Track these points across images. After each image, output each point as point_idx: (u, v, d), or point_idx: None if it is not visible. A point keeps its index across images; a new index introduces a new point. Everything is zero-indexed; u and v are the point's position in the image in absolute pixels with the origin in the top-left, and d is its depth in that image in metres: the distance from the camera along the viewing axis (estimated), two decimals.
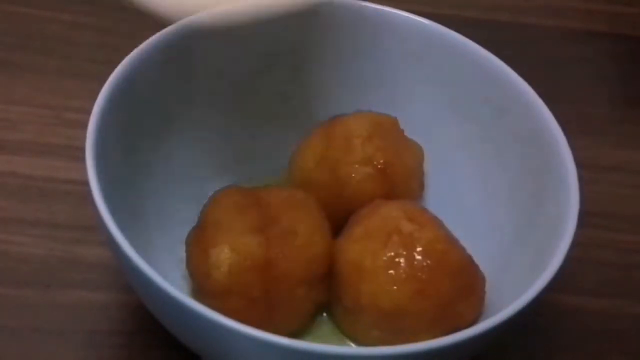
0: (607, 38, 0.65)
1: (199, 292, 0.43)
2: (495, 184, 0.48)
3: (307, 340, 0.43)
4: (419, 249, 0.42)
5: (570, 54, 0.64)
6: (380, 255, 0.42)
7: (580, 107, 0.60)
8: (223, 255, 0.42)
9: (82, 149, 0.42)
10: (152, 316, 0.42)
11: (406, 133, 0.48)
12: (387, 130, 0.47)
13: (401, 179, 0.46)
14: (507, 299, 0.41)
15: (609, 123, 0.60)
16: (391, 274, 0.42)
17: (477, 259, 0.44)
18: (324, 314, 0.45)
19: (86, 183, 0.41)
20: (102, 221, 0.40)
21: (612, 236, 0.54)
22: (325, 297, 0.44)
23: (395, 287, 0.42)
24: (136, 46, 0.46)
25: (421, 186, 0.48)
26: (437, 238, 0.42)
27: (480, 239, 0.46)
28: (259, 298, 0.42)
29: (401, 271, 0.42)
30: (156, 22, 0.48)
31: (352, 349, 0.38)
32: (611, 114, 0.61)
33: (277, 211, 0.43)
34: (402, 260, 0.42)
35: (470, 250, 0.44)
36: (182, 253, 0.45)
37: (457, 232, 0.44)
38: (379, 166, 0.45)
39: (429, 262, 0.42)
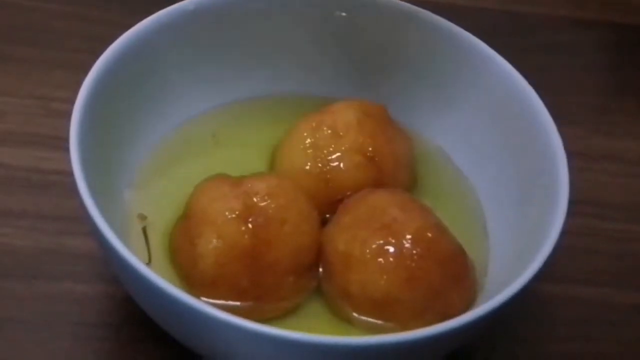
0: (598, 26, 0.64)
1: (185, 283, 0.42)
2: (485, 173, 0.48)
3: (297, 322, 0.42)
4: (408, 237, 0.42)
5: (560, 42, 0.64)
6: (370, 244, 0.42)
7: (570, 96, 0.60)
8: (210, 245, 0.41)
9: (68, 140, 0.41)
10: (138, 308, 0.42)
11: (396, 122, 0.48)
12: (376, 118, 0.47)
13: (390, 168, 0.46)
14: (497, 287, 0.41)
15: (598, 112, 0.60)
16: (380, 262, 0.42)
17: (467, 248, 0.44)
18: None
19: (72, 174, 0.40)
20: (87, 212, 0.39)
21: (602, 225, 0.54)
22: (314, 285, 0.44)
23: (384, 276, 0.41)
24: (122, 35, 0.45)
25: (411, 175, 0.47)
26: (426, 226, 0.42)
27: (471, 227, 0.46)
28: (247, 287, 0.41)
29: (390, 259, 0.41)
30: (141, 10, 0.48)
31: (342, 339, 0.38)
32: (601, 102, 0.61)
33: (264, 200, 0.42)
34: (391, 248, 0.42)
35: (460, 239, 0.44)
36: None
37: (447, 222, 0.44)
38: (368, 154, 0.45)
39: (418, 250, 0.41)
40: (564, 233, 0.41)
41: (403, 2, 0.49)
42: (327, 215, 0.45)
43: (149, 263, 0.43)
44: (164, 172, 0.47)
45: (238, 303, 0.41)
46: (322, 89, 0.50)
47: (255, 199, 0.42)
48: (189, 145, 0.48)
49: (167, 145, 0.48)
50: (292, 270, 0.42)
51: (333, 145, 0.45)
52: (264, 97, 0.50)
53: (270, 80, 0.50)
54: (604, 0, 0.66)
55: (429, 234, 0.42)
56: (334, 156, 0.45)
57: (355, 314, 0.42)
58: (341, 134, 0.46)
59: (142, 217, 0.44)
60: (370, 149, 0.45)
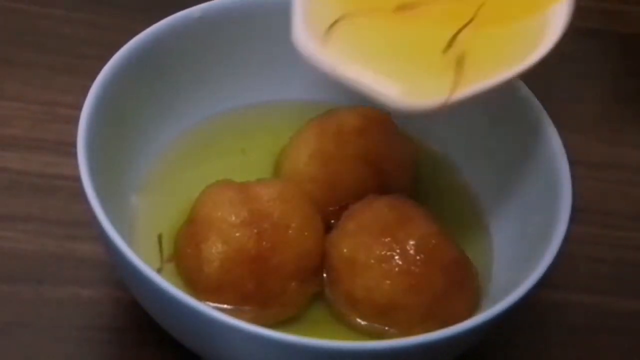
0: (599, 35, 0.65)
1: (190, 287, 0.43)
2: (488, 180, 0.48)
3: (301, 327, 0.43)
4: (411, 243, 0.42)
5: (561, 50, 0.64)
6: (374, 250, 0.42)
7: (571, 104, 0.60)
8: (215, 250, 0.42)
9: (74, 145, 0.42)
10: (144, 312, 0.42)
11: (400, 127, 0.48)
12: (380, 124, 0.47)
13: (394, 174, 0.46)
14: (499, 294, 0.41)
15: (600, 120, 0.60)
16: (384, 268, 0.42)
17: (471, 253, 0.44)
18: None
19: (78, 179, 0.41)
20: (95, 217, 0.40)
21: (604, 232, 0.54)
22: (318, 290, 0.44)
23: (388, 281, 0.42)
24: (128, 41, 0.46)
25: (414, 181, 0.48)
26: (429, 232, 0.43)
27: (475, 233, 0.46)
28: (252, 292, 0.42)
29: (394, 265, 0.42)
30: (148, 17, 0.48)
31: (346, 344, 0.38)
32: (602, 111, 0.61)
33: (268, 205, 0.43)
34: (395, 254, 0.42)
35: (463, 245, 0.44)
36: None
37: (451, 228, 0.45)
38: (372, 161, 0.45)
39: (422, 256, 0.42)
40: (566, 240, 0.41)
41: None
42: (332, 222, 0.45)
43: (160, 270, 0.43)
44: (170, 177, 0.47)
45: (243, 307, 0.42)
46: (327, 95, 0.50)
47: (260, 205, 0.43)
48: (195, 150, 0.49)
49: (173, 150, 0.48)
50: (297, 275, 0.42)
51: (337, 152, 0.46)
52: (268, 102, 0.51)
53: (276, 86, 0.51)
54: (606, 10, 0.66)
55: (433, 241, 0.42)
56: (338, 162, 0.46)
57: (359, 319, 0.43)
58: (345, 140, 0.46)
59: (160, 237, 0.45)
60: (374, 155, 0.46)
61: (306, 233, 0.43)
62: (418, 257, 0.42)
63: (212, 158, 0.49)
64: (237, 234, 0.42)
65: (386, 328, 0.42)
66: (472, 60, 0.40)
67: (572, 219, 0.42)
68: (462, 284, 0.43)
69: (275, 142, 0.49)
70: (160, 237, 0.45)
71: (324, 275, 0.44)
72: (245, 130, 0.50)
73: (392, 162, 0.46)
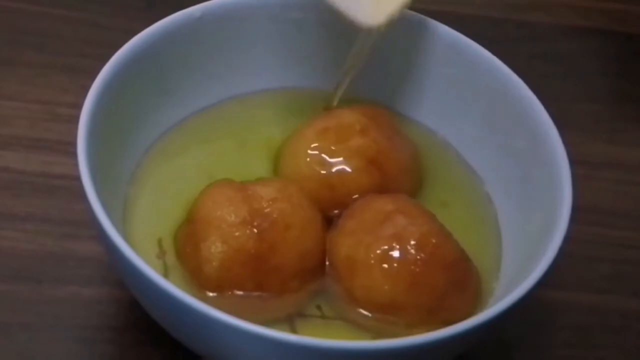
0: (600, 34, 0.65)
1: (190, 286, 0.43)
2: (488, 180, 0.48)
3: (302, 325, 0.43)
4: (412, 243, 0.42)
5: (562, 50, 0.64)
6: (374, 249, 0.42)
7: (571, 103, 0.60)
8: (215, 249, 0.42)
9: (74, 144, 0.42)
10: (143, 311, 0.42)
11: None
12: (380, 124, 0.47)
13: (394, 173, 0.46)
14: (499, 294, 0.41)
15: (600, 119, 0.60)
16: (385, 267, 0.42)
17: (471, 254, 0.44)
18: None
19: (78, 178, 0.41)
20: (95, 216, 0.40)
21: (604, 232, 0.54)
22: (319, 288, 0.44)
23: (389, 281, 0.42)
24: (128, 41, 0.46)
25: (415, 180, 0.48)
26: (430, 232, 0.43)
27: (474, 233, 0.47)
28: (252, 291, 0.42)
29: (395, 265, 0.42)
30: (148, 17, 0.48)
31: (347, 343, 0.38)
32: (603, 110, 0.61)
33: (268, 204, 0.43)
34: (395, 253, 0.42)
35: (463, 245, 0.44)
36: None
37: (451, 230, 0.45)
38: (372, 160, 0.45)
39: (422, 255, 0.42)
40: (566, 240, 0.41)
41: (410, 12, 0.50)
42: (332, 221, 0.45)
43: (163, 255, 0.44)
44: (171, 175, 0.47)
45: (243, 306, 0.42)
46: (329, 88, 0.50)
47: (260, 204, 0.43)
48: (195, 148, 0.49)
49: (174, 149, 0.48)
50: (297, 274, 0.42)
51: (337, 151, 0.46)
52: (263, 92, 0.51)
53: (276, 82, 0.51)
54: (605, 9, 0.66)
55: (433, 240, 0.42)
56: (338, 161, 0.46)
57: (359, 319, 0.43)
58: (345, 139, 0.46)
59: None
60: (374, 154, 0.45)
61: (306, 232, 0.43)
62: (418, 257, 0.42)
63: (213, 155, 0.49)
64: (237, 234, 0.42)
65: (386, 328, 0.42)
66: None
67: (572, 219, 0.42)
68: (463, 284, 0.43)
69: (274, 132, 0.49)
70: (160, 241, 0.45)
71: (325, 274, 0.44)
72: (242, 121, 0.50)
73: (393, 161, 0.46)
